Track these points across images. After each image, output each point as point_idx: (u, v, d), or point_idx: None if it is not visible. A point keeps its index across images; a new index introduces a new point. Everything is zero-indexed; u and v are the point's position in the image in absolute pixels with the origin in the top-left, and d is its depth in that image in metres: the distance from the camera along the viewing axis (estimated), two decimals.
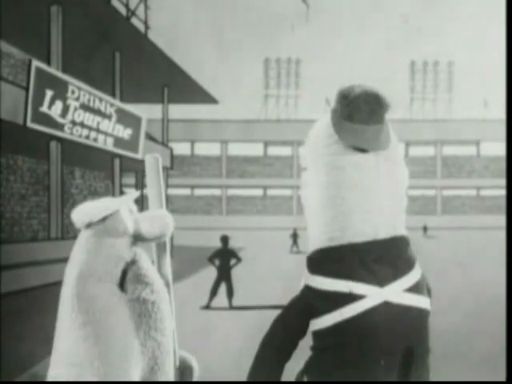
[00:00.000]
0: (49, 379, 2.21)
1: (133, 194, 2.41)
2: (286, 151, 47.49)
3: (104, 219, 2.31)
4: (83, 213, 2.39)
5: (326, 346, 2.13)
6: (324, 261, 2.14)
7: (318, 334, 2.10)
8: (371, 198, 2.04)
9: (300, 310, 2.14)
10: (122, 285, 2.40)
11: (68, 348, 2.25)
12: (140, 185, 23.23)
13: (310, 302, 2.12)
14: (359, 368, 2.07)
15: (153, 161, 2.51)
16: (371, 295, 2.13)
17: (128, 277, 2.40)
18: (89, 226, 2.33)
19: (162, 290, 2.44)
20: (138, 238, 2.35)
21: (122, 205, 2.36)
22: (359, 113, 1.99)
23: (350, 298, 2.11)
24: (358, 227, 2.08)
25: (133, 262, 2.37)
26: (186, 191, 46.72)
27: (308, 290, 2.12)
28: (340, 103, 2.03)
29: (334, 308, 2.09)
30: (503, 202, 33.26)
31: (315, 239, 2.15)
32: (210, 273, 9.97)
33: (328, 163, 2.05)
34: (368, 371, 2.08)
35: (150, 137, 20.02)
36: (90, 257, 2.38)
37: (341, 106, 2.02)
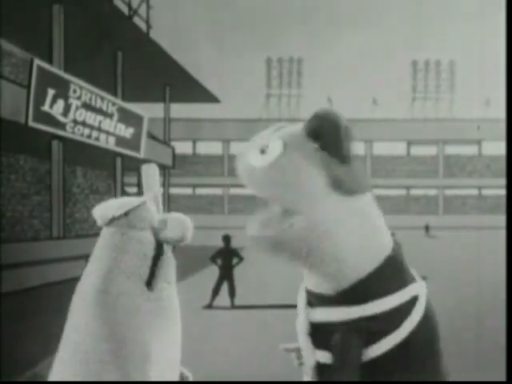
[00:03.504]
0: (65, 376, 2.20)
1: (153, 192, 2.44)
2: None
3: (127, 214, 2.32)
4: (106, 208, 2.41)
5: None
6: (382, 281, 2.13)
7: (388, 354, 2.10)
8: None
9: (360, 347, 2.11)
10: (147, 283, 2.41)
11: (87, 344, 2.23)
12: (141, 184, 23.23)
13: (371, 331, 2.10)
14: None
15: (148, 169, 2.54)
16: (423, 291, 2.22)
17: (157, 274, 2.40)
18: (111, 222, 2.34)
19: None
20: (160, 237, 2.36)
21: (147, 199, 2.41)
22: None
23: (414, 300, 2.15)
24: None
25: (157, 259, 2.38)
26: (188, 190, 46.71)
27: (360, 321, 2.09)
28: None
29: (405, 318, 2.11)
30: (504, 202, 32.91)
31: (352, 268, 2.11)
32: (212, 272, 9.96)
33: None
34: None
35: (151, 136, 20.01)
36: (118, 253, 2.38)
37: None
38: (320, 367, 2.18)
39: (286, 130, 2.20)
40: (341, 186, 2.07)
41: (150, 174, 2.56)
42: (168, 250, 2.46)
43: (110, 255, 2.33)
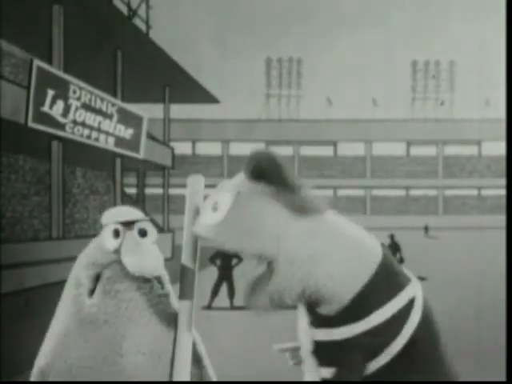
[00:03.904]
0: (121, 367, 2.22)
1: (128, 215, 2.38)
2: (287, 151, 47.45)
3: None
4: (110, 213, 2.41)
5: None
6: (379, 290, 2.13)
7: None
8: None
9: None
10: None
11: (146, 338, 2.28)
12: (141, 185, 23.25)
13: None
14: None
15: (194, 182, 2.51)
16: (418, 291, 2.23)
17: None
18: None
19: None
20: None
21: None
22: None
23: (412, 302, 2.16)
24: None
25: None
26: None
27: (363, 336, 2.09)
28: None
29: (405, 321, 2.11)
30: (504, 202, 32.96)
31: (345, 287, 2.11)
32: (211, 273, 9.96)
33: None
34: None
35: (151, 136, 20.00)
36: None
37: None
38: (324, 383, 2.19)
39: (230, 182, 2.24)
40: (303, 210, 2.08)
41: (196, 190, 2.53)
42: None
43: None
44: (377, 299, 2.12)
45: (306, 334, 2.25)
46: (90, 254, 2.38)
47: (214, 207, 2.14)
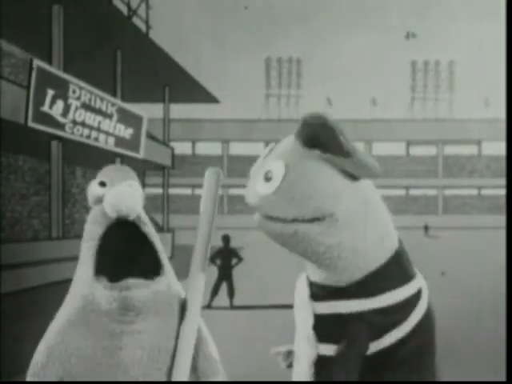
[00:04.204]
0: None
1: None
2: None
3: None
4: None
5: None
6: (394, 272, 2.14)
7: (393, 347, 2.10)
8: None
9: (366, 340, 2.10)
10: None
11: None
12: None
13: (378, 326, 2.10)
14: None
15: (212, 175, 2.51)
16: (424, 285, 2.24)
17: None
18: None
19: None
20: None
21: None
22: None
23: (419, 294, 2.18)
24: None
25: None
26: (187, 191, 46.68)
27: (373, 313, 2.08)
28: None
29: (410, 312, 2.11)
30: (504, 202, 32.92)
31: (368, 260, 2.10)
32: (211, 272, 9.96)
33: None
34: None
35: (151, 136, 20.01)
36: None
37: None
38: (321, 361, 2.16)
39: (281, 149, 2.17)
40: (358, 175, 2.07)
41: (212, 183, 2.52)
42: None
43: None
44: (391, 281, 2.14)
45: (308, 310, 2.22)
46: (92, 213, 2.45)
47: (266, 177, 2.07)
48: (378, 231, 2.14)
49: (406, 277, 2.20)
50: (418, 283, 2.26)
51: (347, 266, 2.09)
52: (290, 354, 2.52)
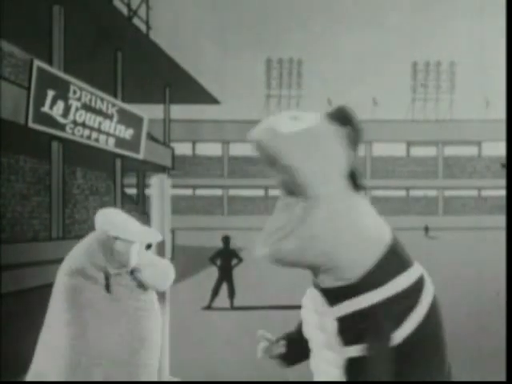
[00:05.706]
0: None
1: (156, 236, 2.40)
2: None
3: (116, 237, 2.34)
4: (107, 220, 2.42)
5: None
6: (395, 260, 2.17)
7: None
8: None
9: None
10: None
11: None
12: (141, 185, 23.25)
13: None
14: None
15: (159, 182, 2.52)
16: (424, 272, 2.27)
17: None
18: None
19: None
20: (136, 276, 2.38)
21: (140, 241, 2.37)
22: None
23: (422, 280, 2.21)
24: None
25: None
26: (188, 191, 46.67)
27: (392, 301, 2.10)
28: None
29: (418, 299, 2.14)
30: (504, 203, 32.83)
31: (363, 255, 2.12)
32: (212, 273, 9.96)
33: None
34: None
35: (151, 137, 20.01)
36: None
37: None
38: (350, 363, 2.15)
39: (307, 113, 2.28)
40: (353, 175, 2.18)
41: (163, 189, 2.56)
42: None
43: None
44: (394, 268, 2.18)
45: (330, 316, 2.21)
46: (95, 256, 2.42)
47: (294, 117, 2.17)
48: (370, 223, 2.20)
49: (406, 263, 2.24)
50: (417, 268, 2.30)
51: (343, 265, 2.12)
52: (272, 345, 2.53)
